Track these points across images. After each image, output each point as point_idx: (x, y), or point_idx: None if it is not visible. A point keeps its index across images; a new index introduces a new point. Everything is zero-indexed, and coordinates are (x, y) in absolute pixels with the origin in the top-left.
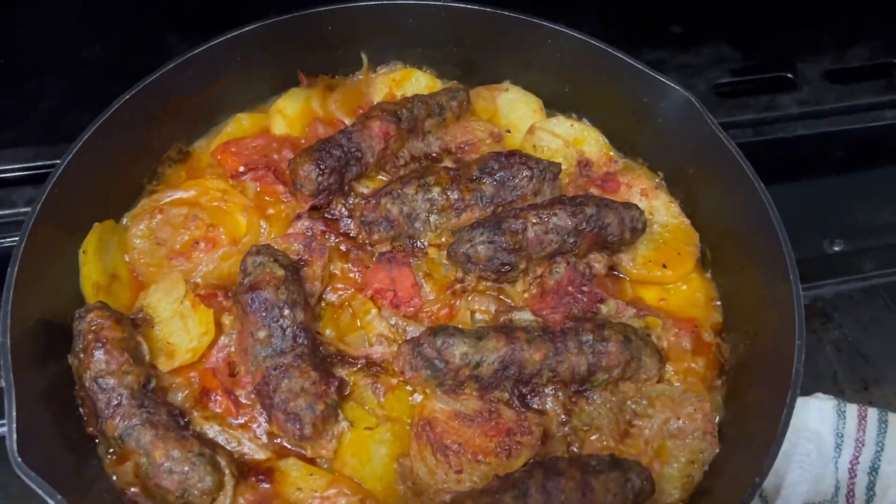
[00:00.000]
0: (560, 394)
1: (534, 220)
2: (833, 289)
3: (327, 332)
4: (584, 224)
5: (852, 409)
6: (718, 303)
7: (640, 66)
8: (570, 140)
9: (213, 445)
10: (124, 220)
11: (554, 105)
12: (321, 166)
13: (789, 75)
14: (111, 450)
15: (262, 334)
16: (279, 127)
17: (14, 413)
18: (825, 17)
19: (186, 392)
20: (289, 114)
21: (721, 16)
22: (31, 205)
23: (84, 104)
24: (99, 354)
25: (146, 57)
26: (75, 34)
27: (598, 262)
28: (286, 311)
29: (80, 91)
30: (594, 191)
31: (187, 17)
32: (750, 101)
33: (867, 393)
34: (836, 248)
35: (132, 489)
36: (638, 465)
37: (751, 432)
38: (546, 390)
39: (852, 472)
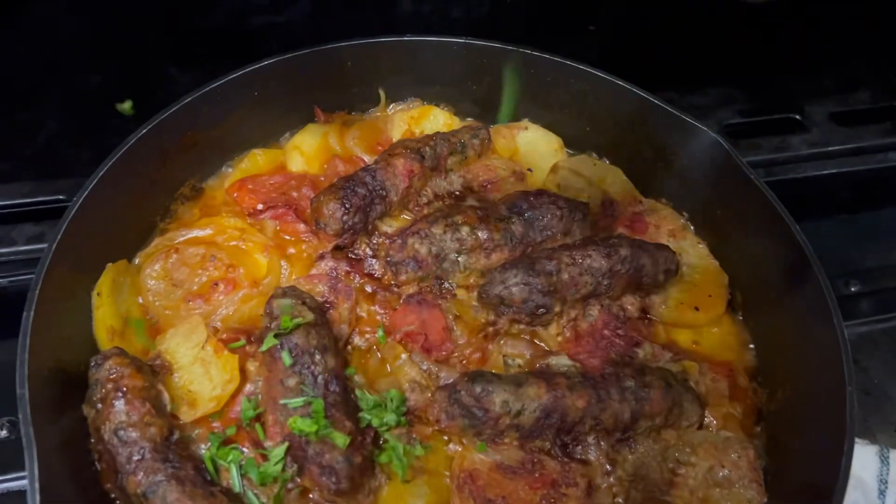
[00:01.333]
0: (602, 443)
1: (568, 262)
2: (854, 330)
3: (356, 378)
4: (618, 265)
5: (895, 455)
6: (752, 346)
7: (666, 107)
8: (594, 179)
9: (241, 502)
10: (136, 261)
11: (574, 144)
12: (346, 205)
13: (797, 117)
14: None
15: (292, 382)
16: (296, 164)
17: (36, 470)
18: (827, 61)
19: (211, 445)
20: (306, 150)
21: (725, 58)
22: (40, 243)
23: (81, 136)
24: (119, 405)
25: (147, 89)
26: (71, 64)
27: (632, 304)
28: (317, 357)
29: (78, 122)
30: (622, 231)
31: (187, 49)
32: (761, 141)
33: None
34: (853, 289)
35: None
36: None
37: (803, 481)
38: (588, 439)
39: None
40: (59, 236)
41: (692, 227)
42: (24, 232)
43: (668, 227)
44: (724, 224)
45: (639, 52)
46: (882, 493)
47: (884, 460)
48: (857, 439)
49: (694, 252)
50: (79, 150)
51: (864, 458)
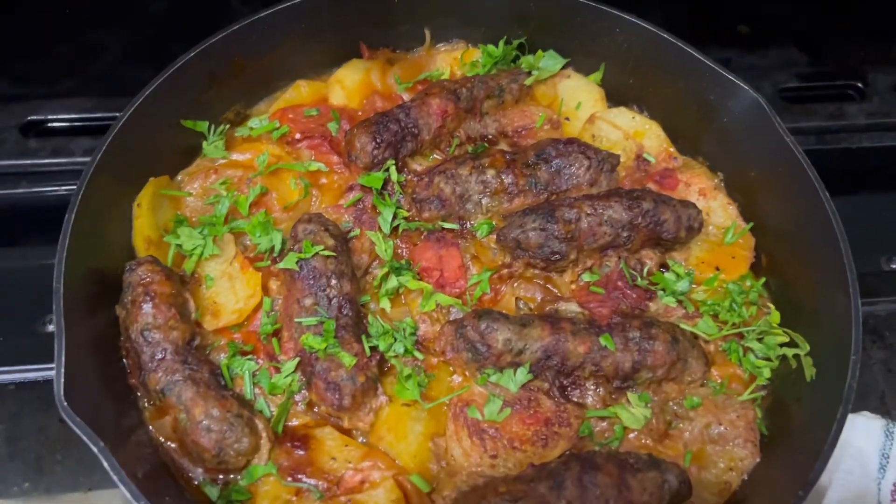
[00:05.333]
0: (601, 389)
1: (588, 211)
2: (887, 307)
3: (371, 306)
4: (639, 219)
5: None
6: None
7: (710, 63)
8: (630, 132)
9: (251, 408)
10: (178, 178)
11: (615, 96)
12: (377, 139)
13: (860, 85)
14: (151, 402)
15: (307, 302)
16: (337, 97)
17: (63, 358)
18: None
19: (228, 353)
20: (348, 85)
21: (790, 19)
22: (90, 154)
23: (144, 59)
24: (147, 308)
25: (207, 17)
26: None
27: (650, 259)
28: (333, 281)
29: (141, 46)
30: (651, 186)
31: None
32: (817, 107)
33: None
34: (893, 266)
35: (169, 443)
36: (676, 467)
37: (795, 445)
38: (587, 384)
39: (895, 495)
40: (104, 146)
41: (725, 188)
42: (81, 144)
43: (699, 185)
44: (757, 186)
45: (699, 9)
46: (883, 467)
47: (889, 435)
48: (866, 412)
49: (723, 213)
50: (141, 72)
51: (870, 431)
